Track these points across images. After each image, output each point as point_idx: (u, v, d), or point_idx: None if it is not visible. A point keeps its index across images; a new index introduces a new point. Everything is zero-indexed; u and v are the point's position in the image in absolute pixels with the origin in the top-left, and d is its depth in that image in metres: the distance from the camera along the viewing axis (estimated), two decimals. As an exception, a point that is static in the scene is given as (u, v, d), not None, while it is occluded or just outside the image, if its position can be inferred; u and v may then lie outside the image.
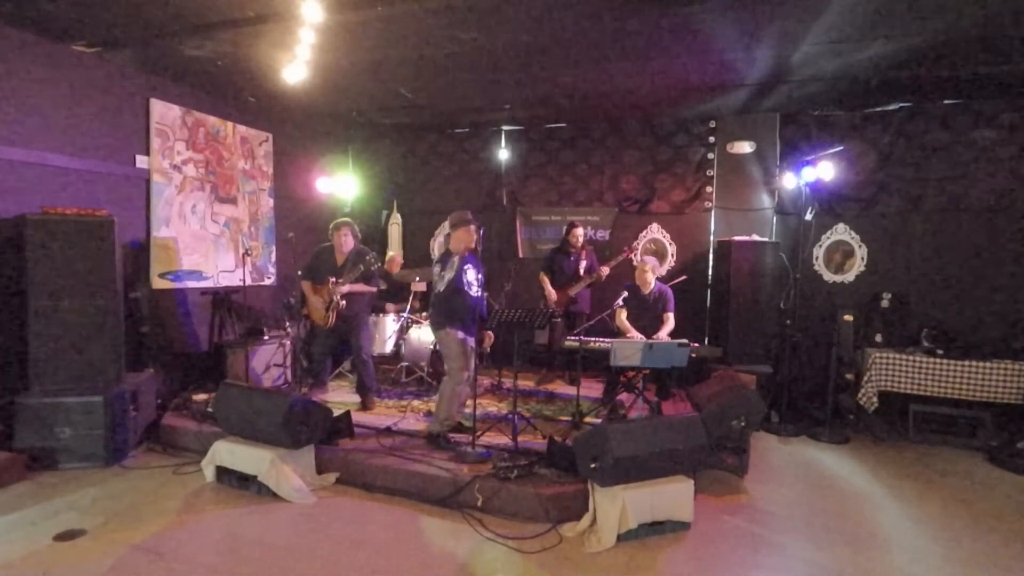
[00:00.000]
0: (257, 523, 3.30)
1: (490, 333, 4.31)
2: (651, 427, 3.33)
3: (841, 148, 5.36)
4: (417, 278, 5.94)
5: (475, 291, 4.10)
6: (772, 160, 5.92)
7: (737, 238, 5.54)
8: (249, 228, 6.15)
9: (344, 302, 4.79)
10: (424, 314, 5.70)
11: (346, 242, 4.91)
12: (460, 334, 4.03)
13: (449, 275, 4.00)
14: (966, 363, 4.77)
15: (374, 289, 5.05)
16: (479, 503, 3.41)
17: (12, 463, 3.71)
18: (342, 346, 5.48)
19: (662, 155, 6.34)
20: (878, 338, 5.33)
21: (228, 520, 3.34)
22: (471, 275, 4.09)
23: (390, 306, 6.15)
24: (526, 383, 5.75)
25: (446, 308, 4.05)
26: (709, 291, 6.14)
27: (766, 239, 5.70)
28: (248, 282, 5.41)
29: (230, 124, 5.88)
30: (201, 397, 4.79)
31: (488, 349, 4.46)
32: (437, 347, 4.91)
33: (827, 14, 3.58)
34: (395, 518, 3.39)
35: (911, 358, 4.97)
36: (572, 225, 5.68)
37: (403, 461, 3.77)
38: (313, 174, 6.84)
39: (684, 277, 5.70)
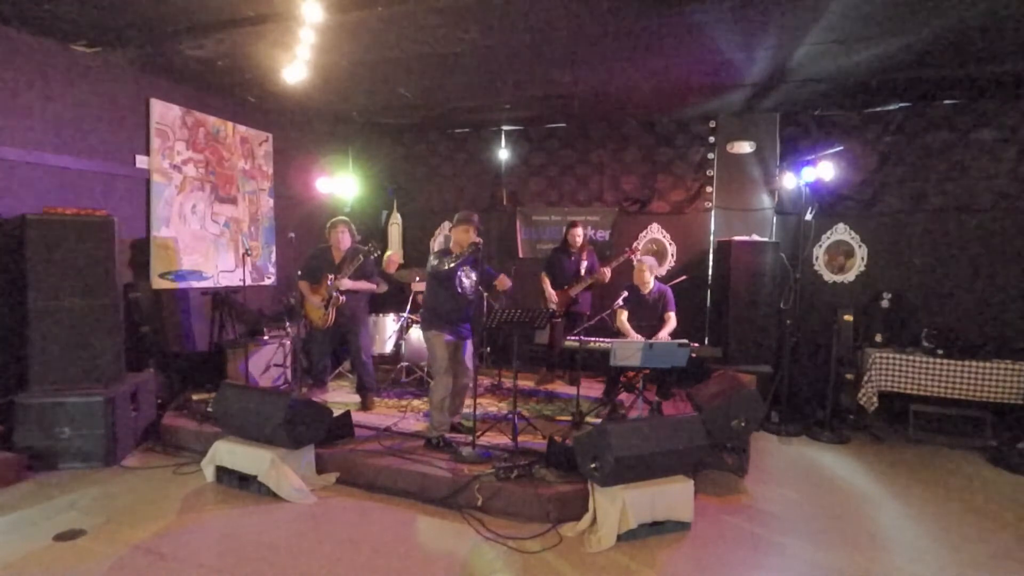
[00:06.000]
0: (257, 523, 3.30)
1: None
2: (651, 427, 3.33)
3: (841, 148, 5.36)
4: (417, 278, 5.94)
5: (470, 293, 4.09)
6: (772, 160, 5.91)
7: (737, 238, 5.54)
8: (249, 228, 6.15)
9: (343, 297, 4.78)
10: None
11: (343, 240, 4.91)
12: (446, 336, 4.01)
13: (443, 269, 3.94)
14: (966, 363, 4.76)
15: (375, 286, 4.97)
16: (479, 503, 3.42)
17: (12, 463, 3.71)
18: (342, 346, 5.47)
19: (662, 155, 6.33)
20: (878, 338, 5.33)
21: (228, 520, 3.34)
22: (467, 275, 4.05)
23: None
24: (526, 383, 5.75)
25: (434, 308, 4.04)
26: (709, 291, 6.14)
27: (766, 239, 5.69)
28: (248, 282, 5.41)
29: (230, 124, 5.88)
30: (201, 397, 4.79)
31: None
32: None
33: (827, 14, 3.57)
34: (395, 518, 3.39)
35: (911, 358, 4.96)
36: (572, 225, 5.67)
37: (403, 461, 3.78)
38: (313, 174, 6.84)
39: (684, 277, 5.70)
